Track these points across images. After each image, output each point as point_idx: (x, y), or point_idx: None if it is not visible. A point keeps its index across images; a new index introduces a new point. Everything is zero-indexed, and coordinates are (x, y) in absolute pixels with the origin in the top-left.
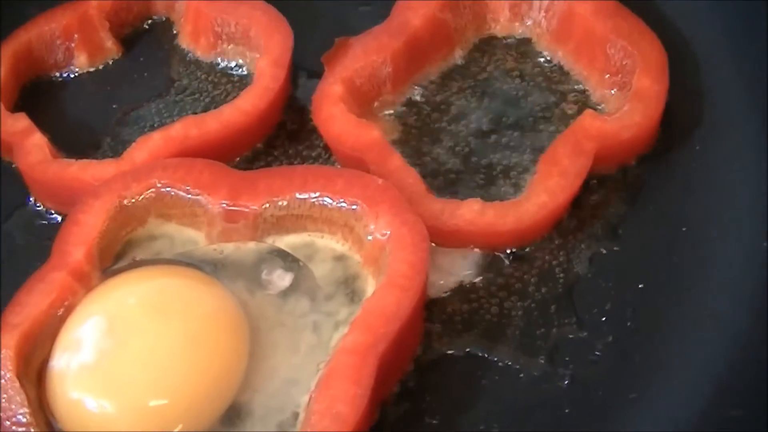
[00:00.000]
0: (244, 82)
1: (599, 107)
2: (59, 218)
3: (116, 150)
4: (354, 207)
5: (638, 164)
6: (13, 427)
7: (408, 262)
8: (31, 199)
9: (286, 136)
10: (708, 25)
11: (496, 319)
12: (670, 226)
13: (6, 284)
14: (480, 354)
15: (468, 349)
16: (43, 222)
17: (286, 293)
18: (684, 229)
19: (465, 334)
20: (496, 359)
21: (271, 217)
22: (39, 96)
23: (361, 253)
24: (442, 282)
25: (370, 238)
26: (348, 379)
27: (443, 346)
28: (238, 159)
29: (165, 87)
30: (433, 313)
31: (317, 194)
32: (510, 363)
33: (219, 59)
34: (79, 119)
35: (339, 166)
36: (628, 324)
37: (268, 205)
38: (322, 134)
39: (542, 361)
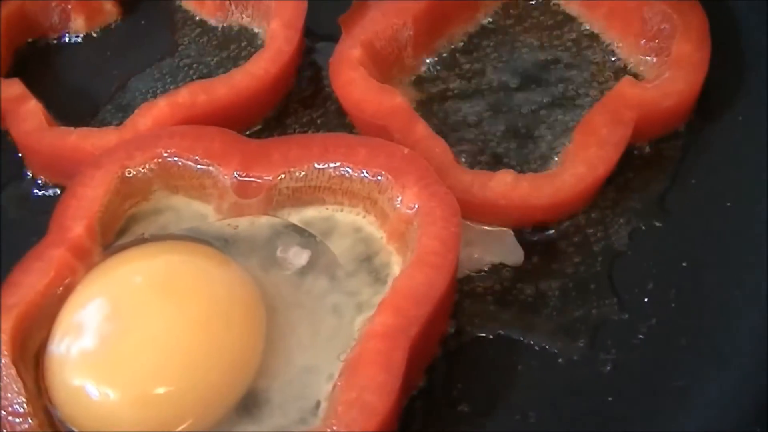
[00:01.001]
0: (252, 46)
1: (635, 74)
2: (56, 191)
3: (117, 118)
4: (378, 178)
5: (677, 135)
6: (10, 417)
7: (439, 238)
8: (25, 170)
9: (299, 103)
10: None
11: (531, 299)
12: (714, 200)
13: (1, 262)
14: (514, 337)
15: (501, 332)
16: (39, 194)
17: (303, 271)
18: (729, 204)
19: (497, 316)
20: (531, 342)
21: (286, 189)
22: (33, 61)
23: (384, 227)
24: (473, 258)
25: (398, 206)
26: (377, 365)
27: (474, 328)
28: (247, 128)
29: (167, 51)
30: (463, 293)
31: (337, 164)
32: (547, 347)
33: (226, 22)
34: (77, 86)
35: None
36: (672, 305)
37: (283, 176)
38: (341, 100)
39: (581, 345)
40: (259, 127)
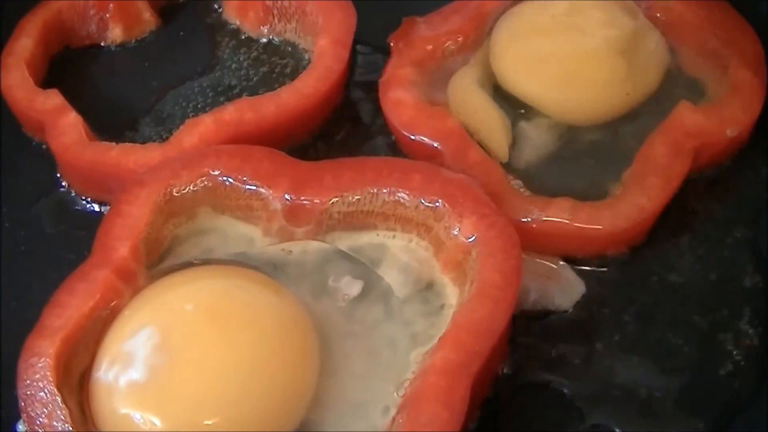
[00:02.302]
0: (295, 60)
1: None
2: (94, 206)
3: (156, 131)
4: (435, 205)
5: (733, 162)
6: None
7: (500, 271)
8: (62, 183)
9: (346, 120)
10: None
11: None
12: None
13: (35, 278)
14: (564, 391)
15: (552, 381)
16: (76, 209)
17: (355, 300)
18: None
19: (551, 362)
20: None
21: (337, 214)
22: (70, 70)
23: (439, 256)
24: (530, 296)
25: (455, 235)
26: (439, 401)
27: (526, 371)
28: (293, 145)
29: (207, 63)
30: (517, 330)
31: (392, 189)
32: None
33: (268, 34)
34: (115, 97)
35: (406, 157)
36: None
37: (336, 200)
38: (391, 121)
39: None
40: (304, 144)
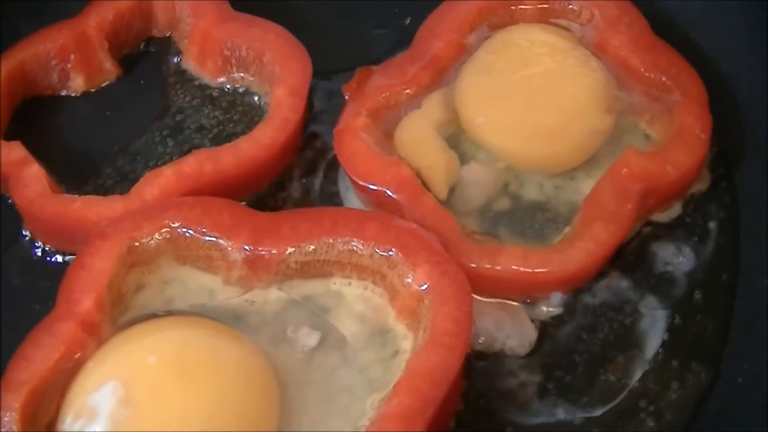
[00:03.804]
0: (255, 110)
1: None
2: (59, 257)
3: (118, 181)
4: (389, 254)
5: (685, 204)
6: None
7: (452, 319)
8: (26, 235)
9: (303, 169)
10: (747, 63)
11: (540, 383)
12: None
13: (1, 330)
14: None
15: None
16: (41, 260)
17: (313, 349)
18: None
19: (507, 397)
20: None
21: (295, 263)
22: (32, 120)
23: (394, 303)
24: (483, 336)
25: (408, 282)
26: None
27: (485, 403)
28: (251, 195)
29: (168, 113)
30: (474, 369)
31: (347, 239)
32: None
33: (227, 85)
34: (77, 146)
35: (360, 203)
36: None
37: (293, 250)
38: (346, 170)
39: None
40: (263, 193)
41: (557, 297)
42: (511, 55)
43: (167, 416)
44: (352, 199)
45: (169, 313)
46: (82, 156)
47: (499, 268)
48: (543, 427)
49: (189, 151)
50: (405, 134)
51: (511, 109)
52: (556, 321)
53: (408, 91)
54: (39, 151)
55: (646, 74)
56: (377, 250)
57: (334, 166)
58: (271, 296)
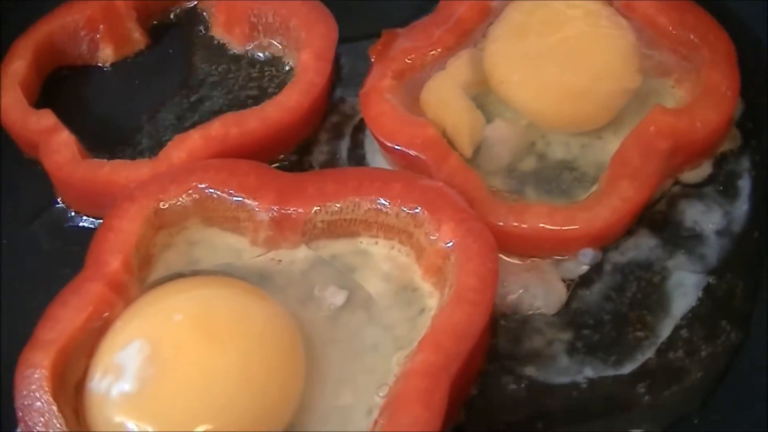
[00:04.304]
0: (282, 76)
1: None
2: (89, 221)
3: (148, 148)
4: (415, 212)
5: (715, 163)
6: None
7: (477, 275)
8: (57, 200)
9: (329, 132)
10: None
11: (569, 340)
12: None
13: (32, 293)
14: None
15: (533, 375)
16: (71, 225)
17: (339, 307)
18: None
19: (533, 356)
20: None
21: (321, 223)
22: (62, 90)
23: (420, 261)
24: (511, 296)
25: (434, 240)
26: (419, 403)
27: (509, 366)
28: (277, 158)
29: (196, 81)
30: (500, 329)
31: (373, 198)
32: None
33: (255, 51)
34: (106, 115)
35: (387, 165)
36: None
37: (318, 209)
38: (372, 131)
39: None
40: (288, 156)
41: (585, 255)
42: (542, 15)
43: (193, 374)
44: (380, 162)
45: (195, 273)
46: (111, 124)
47: (525, 225)
48: (571, 385)
49: (216, 116)
50: (431, 94)
51: (543, 69)
52: (584, 279)
53: (433, 52)
54: (69, 120)
55: (674, 32)
56: (403, 209)
57: (360, 129)
58: (298, 255)
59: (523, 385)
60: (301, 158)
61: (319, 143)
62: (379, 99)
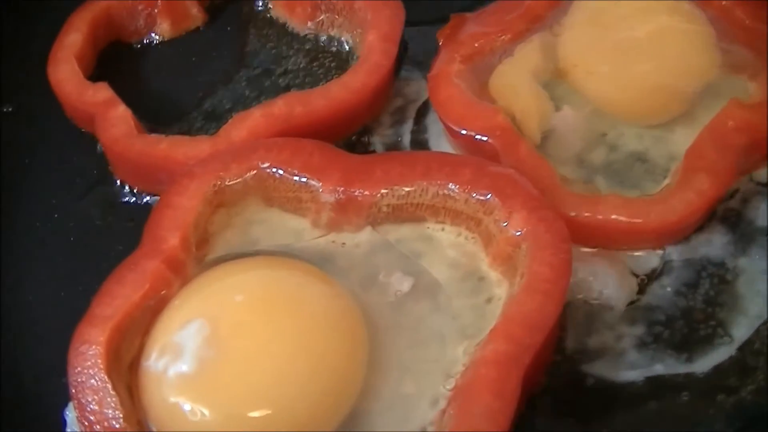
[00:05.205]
0: (343, 57)
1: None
2: (143, 198)
3: (204, 125)
4: (485, 198)
5: None
6: None
7: (550, 265)
8: (110, 175)
9: (394, 115)
10: None
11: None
12: None
13: (84, 268)
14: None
15: (598, 369)
16: (125, 201)
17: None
18: None
19: (601, 352)
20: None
21: (386, 207)
22: (118, 65)
23: (488, 249)
24: (583, 285)
25: (504, 228)
26: (490, 393)
27: (578, 360)
28: (340, 140)
29: (254, 59)
30: (570, 320)
31: (442, 183)
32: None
33: (315, 31)
34: (161, 91)
35: (452, 150)
36: None
37: (385, 192)
38: (440, 116)
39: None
40: (351, 139)
41: (657, 249)
42: (622, 5)
43: (253, 356)
44: (444, 147)
45: (255, 253)
46: (168, 101)
47: (600, 217)
48: (640, 381)
49: (275, 95)
50: (500, 80)
51: (621, 59)
52: (656, 274)
53: (503, 38)
54: (125, 96)
55: (750, 26)
56: (473, 195)
57: (424, 113)
58: (362, 238)
59: (590, 380)
60: (363, 141)
61: (382, 126)
62: (447, 83)
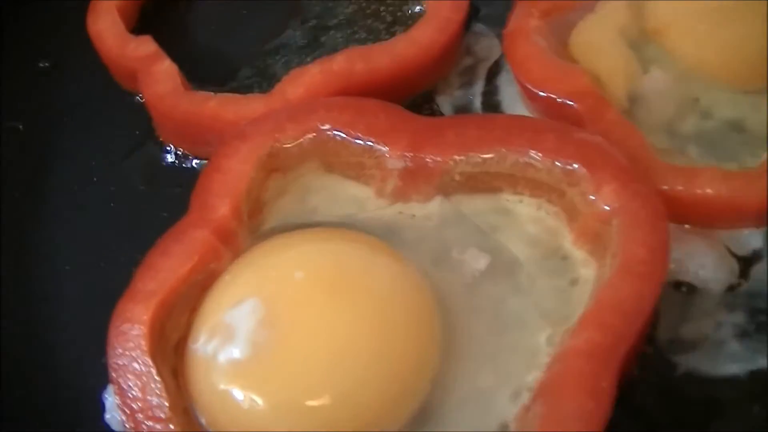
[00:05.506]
0: (405, 11)
1: None
2: (191, 160)
3: (256, 83)
4: (571, 167)
5: None
6: (150, 422)
7: (647, 245)
8: (155, 136)
9: (465, 76)
10: None
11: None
12: None
13: (126, 237)
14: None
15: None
16: (171, 164)
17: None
18: None
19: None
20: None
21: (459, 175)
22: (162, 17)
23: (573, 225)
24: (678, 267)
25: (592, 202)
26: (584, 390)
27: (672, 348)
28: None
29: (311, 11)
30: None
31: (523, 150)
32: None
33: None
34: (211, 46)
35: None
36: None
37: (459, 159)
38: (518, 77)
39: None
40: (417, 101)
41: (760, 228)
42: None
43: (315, 340)
44: (520, 111)
45: (314, 224)
46: (216, 56)
47: (697, 191)
48: (741, 375)
49: (333, 51)
50: (583, 38)
51: (717, 15)
52: (757, 255)
53: None
54: (170, 50)
55: None
56: (557, 164)
57: (496, 72)
58: (432, 209)
59: (686, 372)
60: (429, 103)
61: (450, 87)
62: (525, 40)
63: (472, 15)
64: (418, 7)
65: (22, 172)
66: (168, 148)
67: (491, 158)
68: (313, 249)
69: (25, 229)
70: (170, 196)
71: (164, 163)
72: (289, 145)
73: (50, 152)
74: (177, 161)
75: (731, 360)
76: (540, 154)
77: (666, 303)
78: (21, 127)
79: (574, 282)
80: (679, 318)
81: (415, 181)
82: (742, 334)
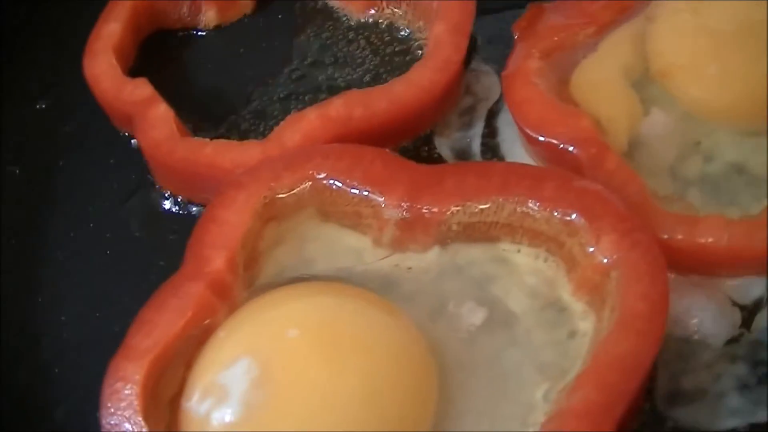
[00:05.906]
0: (406, 50)
1: None
2: (187, 206)
3: (253, 126)
4: (570, 218)
5: None
6: None
7: (646, 299)
8: (151, 182)
9: (464, 118)
10: None
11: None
12: None
13: (122, 286)
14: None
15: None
16: (168, 210)
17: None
18: None
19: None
20: None
21: (457, 225)
22: (160, 56)
23: (571, 276)
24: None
25: (591, 253)
26: None
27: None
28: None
29: (307, 50)
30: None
31: (521, 199)
32: None
33: (374, 21)
34: (208, 85)
35: (528, 158)
36: None
37: (457, 209)
38: (517, 119)
39: None
40: (415, 144)
41: (762, 275)
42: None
43: (309, 401)
44: (519, 154)
45: (310, 278)
46: (214, 96)
47: (699, 240)
48: (741, 430)
49: (331, 92)
50: (584, 78)
51: (722, 54)
52: (760, 303)
53: (586, 30)
54: (166, 90)
55: None
56: (556, 213)
57: (496, 113)
58: (429, 260)
59: (685, 428)
60: (427, 145)
61: (449, 128)
62: (524, 82)
63: (472, 49)
64: (417, 43)
65: (17, 218)
66: (166, 194)
67: (489, 208)
68: (307, 306)
69: (21, 276)
70: (167, 243)
71: (161, 210)
72: (285, 195)
73: (47, 195)
74: (175, 207)
75: (731, 414)
76: (539, 204)
77: (665, 355)
78: (17, 171)
79: (572, 335)
80: (679, 370)
81: (412, 231)
82: (743, 387)
